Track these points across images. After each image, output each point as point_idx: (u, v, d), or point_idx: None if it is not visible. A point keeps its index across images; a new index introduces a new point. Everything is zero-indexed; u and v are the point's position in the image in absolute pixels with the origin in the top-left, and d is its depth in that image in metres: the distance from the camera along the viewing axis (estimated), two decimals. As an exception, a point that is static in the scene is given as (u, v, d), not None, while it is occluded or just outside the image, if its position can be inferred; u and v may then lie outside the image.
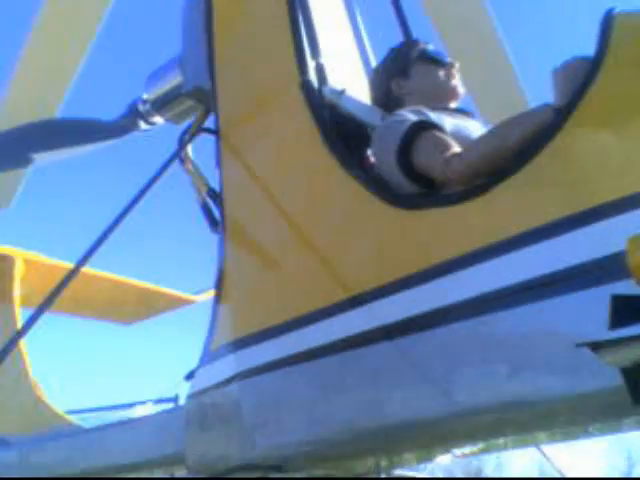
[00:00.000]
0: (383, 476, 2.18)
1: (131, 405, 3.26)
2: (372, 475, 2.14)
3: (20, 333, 2.23)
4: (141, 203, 2.37)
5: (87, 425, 3.27)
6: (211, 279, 2.51)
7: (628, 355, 1.30)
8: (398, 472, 2.28)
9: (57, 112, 3.37)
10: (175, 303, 5.18)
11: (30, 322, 2.27)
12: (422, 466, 2.34)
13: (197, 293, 5.16)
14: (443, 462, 2.23)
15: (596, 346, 1.30)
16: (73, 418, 3.43)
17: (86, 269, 4.12)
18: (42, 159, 3.01)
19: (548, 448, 2.86)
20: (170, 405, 3.06)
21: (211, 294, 4.52)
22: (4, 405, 3.65)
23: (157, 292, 5.02)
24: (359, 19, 2.64)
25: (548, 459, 2.76)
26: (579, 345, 1.31)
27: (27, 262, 4.28)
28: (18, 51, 3.37)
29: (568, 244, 1.53)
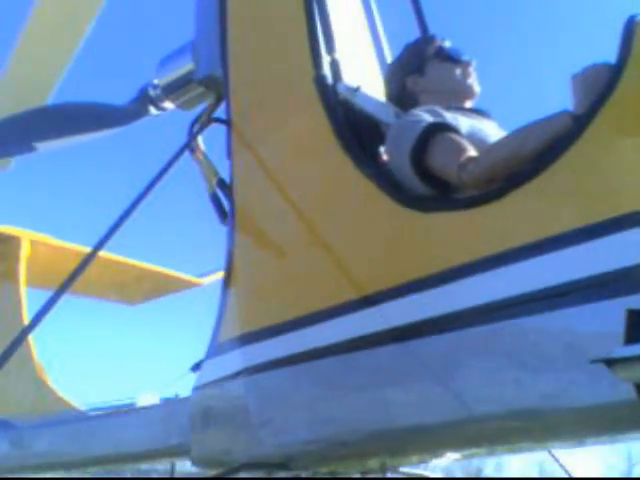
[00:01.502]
0: (388, 475, 2.18)
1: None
2: (377, 474, 2.14)
3: (36, 319, 2.21)
4: (154, 190, 2.36)
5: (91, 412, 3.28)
6: (216, 262, 2.49)
7: (643, 372, 1.29)
8: (403, 471, 2.27)
9: (55, 86, 3.35)
10: (180, 285, 5.18)
11: (48, 305, 2.26)
12: (423, 466, 2.33)
13: (202, 276, 5.15)
14: (443, 462, 2.23)
15: (611, 362, 1.28)
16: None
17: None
18: (54, 144, 2.99)
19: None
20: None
21: (216, 277, 4.53)
22: (8, 388, 3.65)
23: (162, 274, 5.01)
24: (376, 14, 2.60)
25: (556, 459, 2.75)
26: (594, 361, 1.29)
27: (33, 243, 4.27)
28: (21, 23, 3.35)
29: (583, 255, 1.51)
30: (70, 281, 2.24)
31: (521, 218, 1.66)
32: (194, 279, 5.13)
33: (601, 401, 1.44)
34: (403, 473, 2.27)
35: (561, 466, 2.73)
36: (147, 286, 5.13)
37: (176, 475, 2.40)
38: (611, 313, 1.42)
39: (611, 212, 1.49)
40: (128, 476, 2.60)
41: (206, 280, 5.08)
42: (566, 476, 2.89)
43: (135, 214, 2.31)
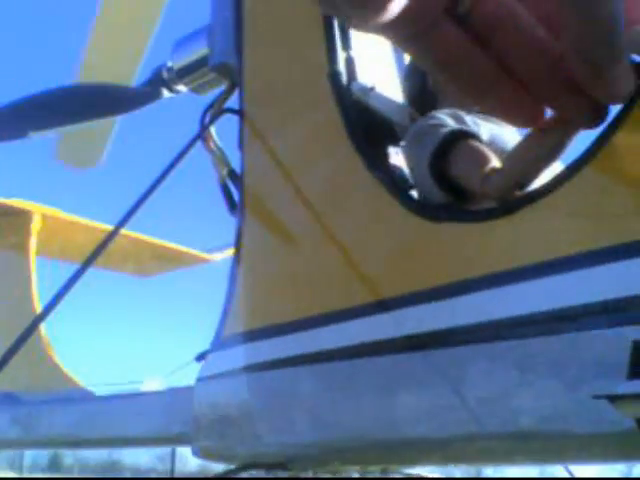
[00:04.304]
0: (380, 475, 2.18)
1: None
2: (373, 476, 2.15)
3: (62, 290, 2.22)
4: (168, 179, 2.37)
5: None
6: (224, 238, 2.51)
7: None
8: (395, 473, 2.27)
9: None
10: (189, 260, 5.20)
11: (71, 281, 2.27)
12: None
13: (210, 252, 5.16)
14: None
15: (614, 398, 1.27)
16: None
17: (105, 226, 4.17)
18: (66, 125, 2.97)
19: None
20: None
21: (226, 254, 4.54)
22: (15, 361, 3.66)
23: (172, 249, 5.04)
24: None
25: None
26: (597, 397, 1.27)
27: (45, 217, 4.28)
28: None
29: (593, 279, 1.47)
30: (92, 259, 2.28)
31: (534, 235, 1.62)
32: (204, 255, 5.15)
33: (601, 431, 1.43)
34: (402, 473, 2.27)
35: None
36: (157, 260, 5.16)
37: (176, 475, 2.41)
38: (618, 342, 1.39)
39: (628, 236, 1.44)
40: (128, 476, 2.61)
41: (216, 256, 5.09)
42: (566, 476, 2.88)
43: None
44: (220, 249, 4.98)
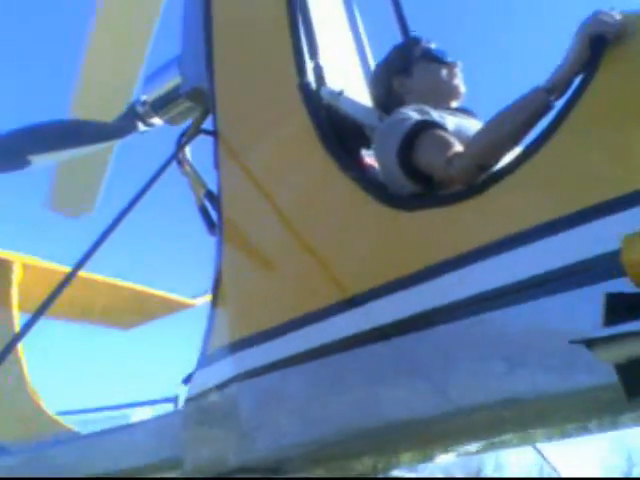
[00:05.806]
0: (380, 476, 2.16)
1: (129, 405, 3.23)
2: (370, 476, 2.13)
3: (16, 338, 2.20)
4: (139, 205, 2.35)
5: (85, 430, 3.26)
6: (208, 282, 2.49)
7: (622, 351, 1.29)
8: (396, 473, 2.26)
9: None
10: (173, 307, 5.15)
11: (26, 327, 2.24)
12: (421, 466, 2.32)
13: (195, 297, 5.11)
14: (442, 462, 2.21)
15: (590, 343, 1.29)
16: (71, 424, 3.41)
17: (83, 273, 4.14)
18: (40, 161, 2.99)
19: (548, 448, 2.84)
20: (169, 406, 3.04)
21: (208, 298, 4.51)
22: (2, 412, 3.62)
23: (155, 296, 4.99)
24: (358, 19, 2.63)
25: (545, 458, 2.72)
26: (573, 342, 1.30)
27: (25, 266, 4.25)
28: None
29: (563, 243, 1.52)
30: (51, 300, 2.18)
31: (501, 211, 1.68)
32: (187, 300, 5.11)
33: (586, 385, 1.46)
34: (396, 475, 2.26)
35: (550, 464, 2.69)
36: (140, 309, 5.10)
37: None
38: (592, 299, 1.42)
39: (588, 201, 1.51)
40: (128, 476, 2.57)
41: (199, 301, 5.04)
42: (561, 475, 2.86)
43: (121, 231, 2.30)
44: (205, 293, 4.94)
